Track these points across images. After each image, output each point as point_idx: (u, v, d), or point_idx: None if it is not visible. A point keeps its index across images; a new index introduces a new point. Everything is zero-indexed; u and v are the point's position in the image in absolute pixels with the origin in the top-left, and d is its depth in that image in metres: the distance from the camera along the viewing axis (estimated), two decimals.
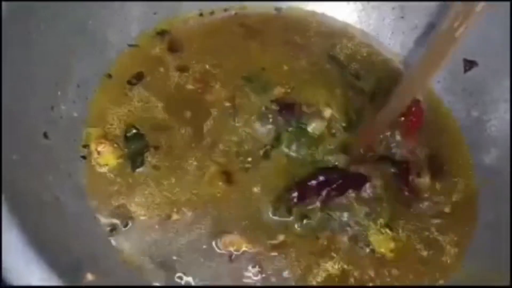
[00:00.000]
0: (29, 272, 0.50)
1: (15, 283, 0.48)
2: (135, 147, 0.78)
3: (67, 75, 0.78)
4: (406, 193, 0.82)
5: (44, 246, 0.53)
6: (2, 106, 0.61)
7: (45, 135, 0.71)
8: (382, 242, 0.75)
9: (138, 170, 0.77)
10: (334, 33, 1.01)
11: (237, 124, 0.82)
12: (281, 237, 0.73)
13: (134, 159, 0.77)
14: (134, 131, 0.79)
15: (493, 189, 0.84)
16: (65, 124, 0.76)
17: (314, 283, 0.71)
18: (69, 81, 0.79)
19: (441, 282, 0.76)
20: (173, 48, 0.91)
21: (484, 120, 0.91)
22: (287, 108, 0.83)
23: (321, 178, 0.76)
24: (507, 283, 0.65)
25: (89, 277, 0.58)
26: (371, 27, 1.02)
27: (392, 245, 0.75)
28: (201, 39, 0.92)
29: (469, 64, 0.94)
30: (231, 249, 0.71)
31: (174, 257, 0.70)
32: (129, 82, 0.85)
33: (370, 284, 0.73)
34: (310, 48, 0.97)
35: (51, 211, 0.65)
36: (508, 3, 0.85)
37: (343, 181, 0.77)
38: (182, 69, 0.88)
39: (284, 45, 0.95)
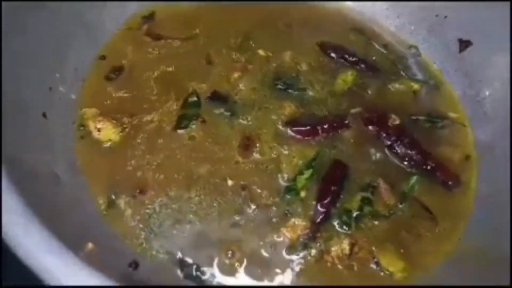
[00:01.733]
0: (29, 234, 0.50)
1: (15, 246, 0.49)
2: (191, 112, 0.81)
3: (64, 59, 0.80)
4: None
5: (44, 215, 0.54)
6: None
7: (44, 115, 0.72)
8: (390, 261, 0.73)
9: (179, 131, 0.79)
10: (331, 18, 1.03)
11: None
12: None
13: (182, 121, 0.80)
14: (195, 98, 0.82)
15: (489, 164, 0.85)
16: (63, 105, 0.77)
17: None
18: (67, 64, 0.80)
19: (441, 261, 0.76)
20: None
21: (480, 98, 0.92)
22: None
23: None
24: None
25: (90, 246, 0.59)
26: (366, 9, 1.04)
27: (401, 264, 0.72)
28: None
29: (464, 44, 0.95)
30: None
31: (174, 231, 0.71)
32: (107, 78, 0.84)
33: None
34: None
35: (51, 188, 0.66)
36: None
37: None
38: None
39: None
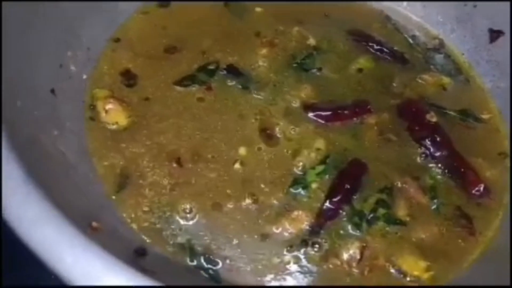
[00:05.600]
0: (29, 205, 0.46)
1: (15, 219, 0.45)
2: (201, 77, 0.80)
3: (77, 37, 0.77)
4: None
5: (48, 190, 0.50)
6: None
7: (52, 92, 0.69)
8: (412, 264, 0.67)
9: (178, 87, 0.78)
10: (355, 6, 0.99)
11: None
12: None
13: (186, 80, 0.79)
14: (213, 67, 0.81)
15: None
16: (74, 84, 0.74)
17: None
18: (80, 43, 0.77)
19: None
20: None
21: None
22: None
23: None
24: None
25: (95, 225, 0.56)
26: None
27: (423, 264, 0.67)
28: None
29: (496, 34, 0.90)
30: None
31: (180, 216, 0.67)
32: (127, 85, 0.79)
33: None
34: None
35: (56, 164, 0.62)
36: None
37: None
38: None
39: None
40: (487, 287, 0.64)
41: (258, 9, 0.93)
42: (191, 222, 0.66)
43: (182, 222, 0.66)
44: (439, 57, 0.93)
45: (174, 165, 0.70)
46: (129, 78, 0.79)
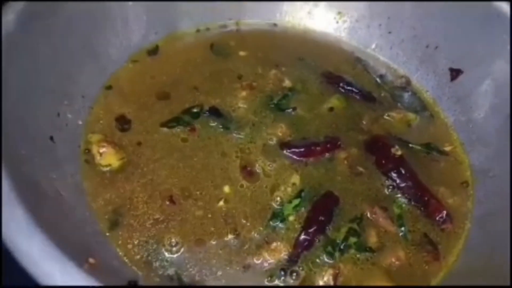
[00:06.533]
0: (31, 242, 0.53)
1: (18, 254, 0.51)
2: (186, 119, 0.88)
3: (73, 87, 0.84)
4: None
5: (47, 229, 0.56)
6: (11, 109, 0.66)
7: (51, 139, 0.76)
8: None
9: (163, 129, 0.86)
10: (327, 49, 1.08)
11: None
12: None
13: (172, 122, 0.87)
14: (197, 110, 0.89)
15: (484, 186, 0.86)
16: (71, 130, 0.81)
17: None
18: (75, 92, 0.85)
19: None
20: None
21: (472, 124, 0.94)
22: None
23: None
24: (507, 283, 0.65)
25: (91, 261, 0.61)
26: (360, 41, 1.09)
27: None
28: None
29: (455, 72, 0.98)
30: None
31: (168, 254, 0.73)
32: (121, 129, 0.85)
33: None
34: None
35: (55, 206, 0.68)
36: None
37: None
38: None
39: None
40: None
41: (241, 53, 1.03)
42: (176, 255, 0.72)
43: (168, 254, 0.72)
44: (406, 95, 1.02)
45: (168, 203, 0.77)
46: (123, 123, 0.86)
